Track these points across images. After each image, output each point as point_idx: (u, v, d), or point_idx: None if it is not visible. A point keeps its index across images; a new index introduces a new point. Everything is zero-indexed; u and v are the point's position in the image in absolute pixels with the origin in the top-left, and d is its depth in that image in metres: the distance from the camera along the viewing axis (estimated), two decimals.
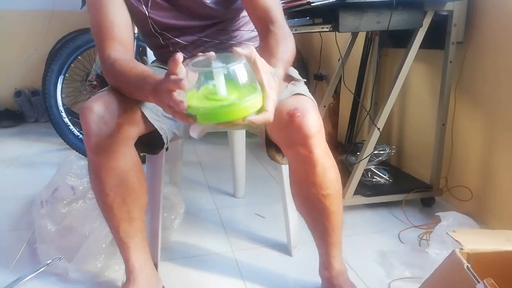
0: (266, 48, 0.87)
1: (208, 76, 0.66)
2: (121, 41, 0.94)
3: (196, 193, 1.80)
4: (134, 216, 0.98)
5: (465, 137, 1.58)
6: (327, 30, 1.43)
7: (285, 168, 1.26)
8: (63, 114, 2.07)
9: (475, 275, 0.64)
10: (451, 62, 1.51)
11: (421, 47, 1.50)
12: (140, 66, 0.88)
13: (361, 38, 2.05)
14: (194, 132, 0.70)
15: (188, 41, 1.08)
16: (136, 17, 1.03)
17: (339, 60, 2.00)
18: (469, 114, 1.56)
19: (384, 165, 1.83)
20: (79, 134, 2.09)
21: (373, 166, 1.76)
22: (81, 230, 1.21)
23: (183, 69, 0.68)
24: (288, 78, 0.98)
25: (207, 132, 0.77)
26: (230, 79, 0.66)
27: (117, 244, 1.02)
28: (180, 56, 0.67)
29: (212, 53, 0.69)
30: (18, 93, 3.09)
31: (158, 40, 1.09)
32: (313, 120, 0.83)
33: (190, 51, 1.09)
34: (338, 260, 1.05)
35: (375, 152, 1.75)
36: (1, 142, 2.63)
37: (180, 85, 0.65)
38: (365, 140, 1.61)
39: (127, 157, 0.92)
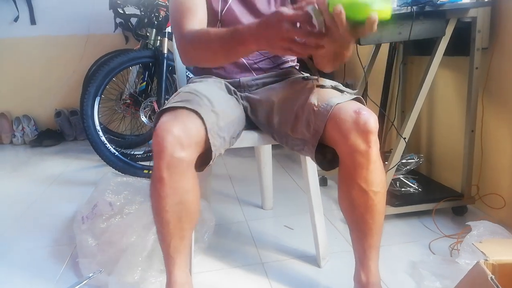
0: None
1: None
2: (201, 19, 1.06)
3: (226, 205, 1.85)
4: (186, 234, 1.03)
5: (495, 143, 1.55)
6: None
7: (312, 179, 1.29)
8: (100, 133, 2.18)
9: (499, 286, 0.64)
10: (477, 68, 1.50)
11: (445, 54, 1.49)
12: (221, 30, 0.95)
13: (384, 47, 2.05)
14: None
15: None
16: (208, 17, 1.13)
17: (364, 68, 2.01)
18: (498, 120, 1.53)
19: (413, 174, 1.82)
20: (115, 151, 2.19)
21: (402, 176, 1.75)
22: (119, 244, 1.28)
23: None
24: (340, 91, 1.07)
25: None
26: None
27: (164, 258, 1.06)
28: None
29: None
30: (58, 114, 3.28)
31: None
32: (375, 120, 0.94)
33: (240, 61, 1.19)
34: (375, 264, 1.06)
35: (403, 161, 1.75)
36: (44, 160, 2.79)
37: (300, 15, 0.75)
38: (392, 149, 1.61)
39: (190, 177, 0.97)
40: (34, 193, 2.12)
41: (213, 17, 1.15)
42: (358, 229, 1.05)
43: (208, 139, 0.98)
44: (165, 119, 0.95)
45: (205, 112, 0.99)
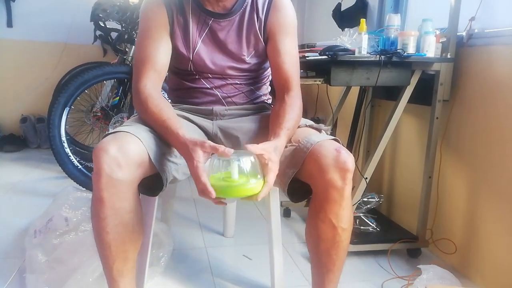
0: (276, 114, 1.09)
1: (227, 164, 0.90)
2: (156, 68, 1.11)
3: (186, 229, 1.83)
4: (129, 255, 1.01)
5: (450, 190, 1.63)
6: (320, 83, 1.52)
7: (274, 209, 1.30)
8: (65, 145, 2.12)
9: None
10: (437, 118, 1.58)
11: (409, 101, 1.58)
12: (165, 114, 1.03)
13: (355, 88, 2.14)
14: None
15: (216, 84, 1.21)
16: (178, 56, 1.17)
17: (332, 108, 2.08)
18: (454, 168, 1.61)
19: (373, 213, 1.87)
20: (78, 164, 2.14)
21: (362, 214, 1.80)
22: (70, 263, 1.24)
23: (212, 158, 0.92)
24: (318, 130, 1.14)
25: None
26: (241, 168, 0.89)
27: (108, 281, 1.04)
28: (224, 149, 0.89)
29: (231, 150, 0.90)
30: (24, 119, 3.18)
31: (192, 77, 1.21)
32: (352, 160, 1.00)
33: (214, 93, 1.22)
34: None
35: (364, 199, 1.80)
36: (2, 167, 2.68)
37: (207, 192, 0.87)
38: (354, 187, 1.66)
39: (131, 198, 0.97)
40: None
41: (184, 59, 1.18)
42: (321, 264, 1.07)
43: (152, 160, 0.99)
44: (104, 139, 0.96)
45: (148, 135, 1.01)
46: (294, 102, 1.11)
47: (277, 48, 1.15)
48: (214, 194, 0.86)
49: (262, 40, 1.18)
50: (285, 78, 1.14)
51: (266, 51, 1.19)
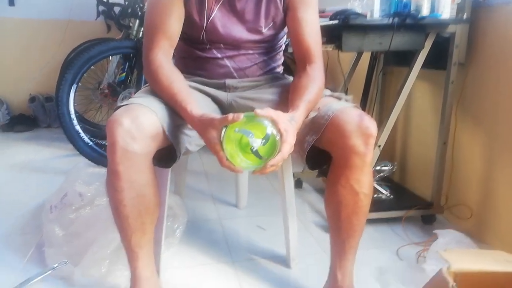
0: (297, 86, 1.06)
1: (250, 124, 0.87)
2: (168, 35, 1.08)
3: (199, 202, 1.84)
4: (146, 227, 1.02)
5: (465, 156, 1.60)
6: (331, 49, 1.48)
7: (287, 180, 1.29)
8: (75, 122, 2.12)
9: None
10: (452, 82, 1.54)
11: (423, 67, 1.53)
12: (175, 87, 1.01)
13: (366, 56, 2.08)
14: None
15: (228, 55, 1.17)
16: (191, 23, 1.13)
17: (344, 75, 2.04)
18: (469, 133, 1.58)
19: (386, 181, 1.85)
20: (89, 141, 2.14)
21: (375, 182, 1.78)
22: (87, 236, 1.26)
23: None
24: (338, 98, 1.11)
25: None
26: (262, 145, 0.86)
27: (127, 253, 1.05)
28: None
29: (240, 115, 0.86)
30: (32, 99, 3.18)
31: (202, 46, 1.17)
32: (375, 126, 0.98)
33: (225, 64, 1.18)
34: (352, 267, 1.09)
35: (377, 168, 1.78)
36: (14, 146, 2.71)
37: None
38: None
39: (146, 171, 0.96)
40: (0, 179, 2.05)
41: (197, 27, 1.13)
42: (342, 230, 1.06)
43: (166, 132, 0.98)
44: (117, 112, 0.95)
45: (161, 107, 1.00)
46: (316, 74, 1.08)
47: (298, 19, 1.11)
48: (234, 169, 0.90)
49: (281, 10, 1.13)
50: (307, 49, 1.10)
51: (286, 22, 1.15)
